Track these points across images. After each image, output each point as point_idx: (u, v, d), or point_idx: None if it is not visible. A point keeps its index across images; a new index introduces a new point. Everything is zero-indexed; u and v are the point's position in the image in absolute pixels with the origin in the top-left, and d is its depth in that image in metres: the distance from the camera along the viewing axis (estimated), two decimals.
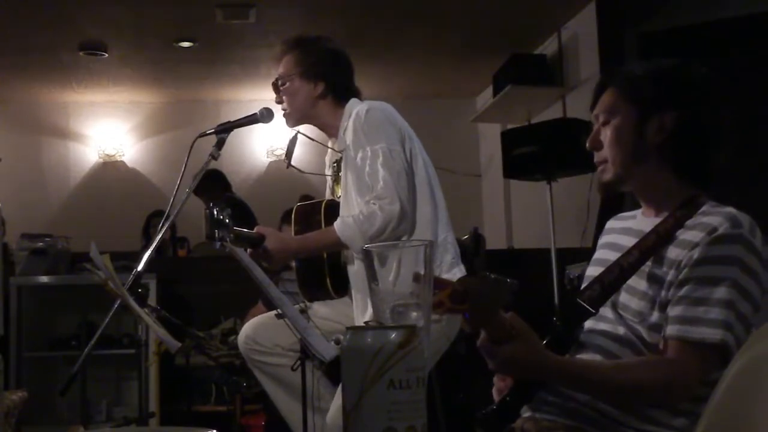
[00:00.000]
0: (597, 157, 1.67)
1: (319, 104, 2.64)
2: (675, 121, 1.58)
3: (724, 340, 1.42)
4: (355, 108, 2.56)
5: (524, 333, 1.38)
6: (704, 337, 1.43)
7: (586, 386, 1.49)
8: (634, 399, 1.49)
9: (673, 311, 1.48)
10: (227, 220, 2.24)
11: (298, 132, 2.70)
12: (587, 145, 1.68)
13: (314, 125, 2.71)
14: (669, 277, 1.51)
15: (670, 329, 1.47)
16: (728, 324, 1.43)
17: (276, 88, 2.67)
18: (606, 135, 1.64)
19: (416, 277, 0.97)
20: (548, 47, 6.11)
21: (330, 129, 2.67)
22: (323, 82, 2.62)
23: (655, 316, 1.51)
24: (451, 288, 1.23)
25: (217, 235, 2.22)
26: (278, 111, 2.62)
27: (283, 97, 2.66)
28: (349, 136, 2.52)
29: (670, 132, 1.59)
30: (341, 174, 2.59)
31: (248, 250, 2.43)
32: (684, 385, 1.45)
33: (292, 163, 2.66)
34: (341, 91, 2.65)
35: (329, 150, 2.75)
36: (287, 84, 2.64)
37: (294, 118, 2.67)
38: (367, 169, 2.44)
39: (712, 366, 1.44)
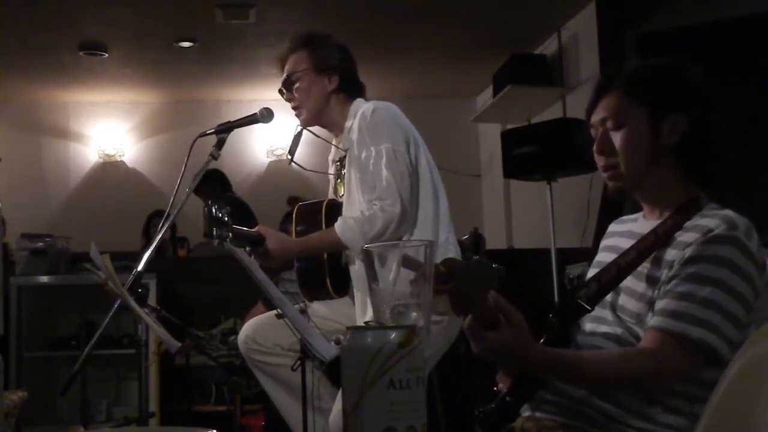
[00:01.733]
0: (605, 161, 1.64)
1: (332, 99, 2.62)
2: (687, 121, 1.58)
3: (703, 339, 1.42)
4: (361, 107, 2.56)
5: (514, 320, 1.36)
6: (683, 332, 1.43)
7: (573, 377, 1.48)
8: (621, 389, 1.49)
9: (659, 304, 1.49)
10: (226, 218, 2.24)
11: (304, 128, 2.69)
12: (596, 149, 1.65)
13: (321, 124, 2.70)
14: (663, 277, 1.51)
15: (653, 320, 1.48)
16: (710, 324, 1.43)
17: (287, 86, 2.64)
18: (618, 140, 1.61)
19: (406, 262, 0.97)
20: (548, 47, 6.11)
21: (336, 127, 2.66)
22: (337, 76, 2.61)
23: (650, 317, 1.52)
24: (435, 268, 1.23)
25: (215, 232, 2.21)
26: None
27: (296, 95, 2.63)
28: (354, 135, 2.52)
29: (683, 133, 1.58)
30: (344, 172, 2.59)
31: (248, 249, 2.43)
32: (664, 376, 1.45)
33: (295, 159, 2.66)
34: (352, 85, 2.64)
35: (332, 148, 2.75)
36: (301, 80, 2.62)
37: (308, 116, 2.64)
38: (371, 168, 2.44)
39: (693, 362, 1.45)
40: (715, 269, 1.45)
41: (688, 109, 1.59)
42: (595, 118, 1.65)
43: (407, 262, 0.98)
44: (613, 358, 1.50)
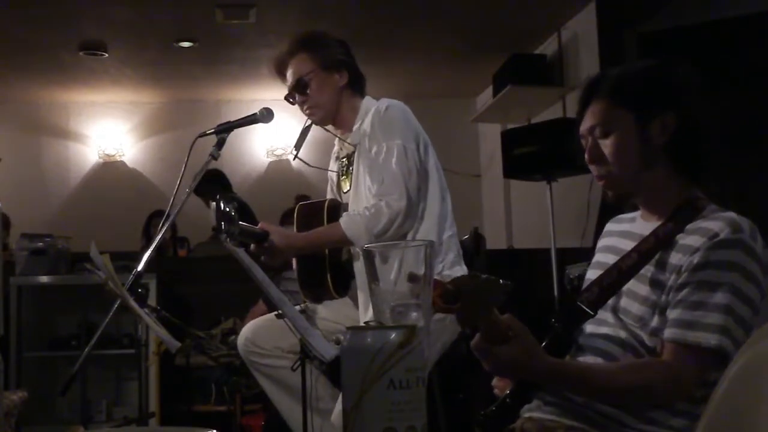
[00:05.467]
0: (598, 170, 1.63)
1: (343, 95, 2.63)
2: (676, 119, 1.58)
3: (721, 345, 1.42)
4: (372, 105, 2.58)
5: (521, 335, 1.38)
6: (700, 341, 1.43)
7: (582, 389, 1.49)
8: (630, 400, 1.49)
9: (672, 314, 1.48)
10: (233, 213, 2.24)
11: (320, 126, 2.68)
12: (587, 158, 1.63)
13: (333, 121, 2.69)
14: (670, 282, 1.51)
15: (668, 332, 1.47)
16: (726, 329, 1.43)
17: (300, 90, 2.61)
18: (608, 148, 1.60)
19: (411, 277, 0.97)
20: (548, 47, 6.11)
21: (345, 123, 2.66)
22: (346, 71, 2.62)
23: (656, 320, 1.51)
24: (443, 288, 1.23)
25: (223, 227, 2.22)
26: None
27: (309, 96, 2.61)
28: (366, 131, 2.52)
29: (673, 131, 1.58)
30: (352, 168, 2.59)
31: (252, 246, 2.43)
32: (680, 388, 1.45)
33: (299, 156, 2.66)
34: (359, 79, 2.65)
35: (336, 145, 2.75)
36: (312, 81, 2.59)
37: (325, 114, 2.64)
38: (380, 163, 2.45)
39: (708, 370, 1.45)
40: (725, 274, 1.45)
41: (675, 107, 1.58)
42: (583, 127, 1.64)
43: (412, 278, 0.98)
44: (624, 369, 1.50)
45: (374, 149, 2.48)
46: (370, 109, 2.56)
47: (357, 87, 2.65)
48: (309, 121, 2.68)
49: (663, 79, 1.62)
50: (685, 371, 1.44)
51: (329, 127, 2.72)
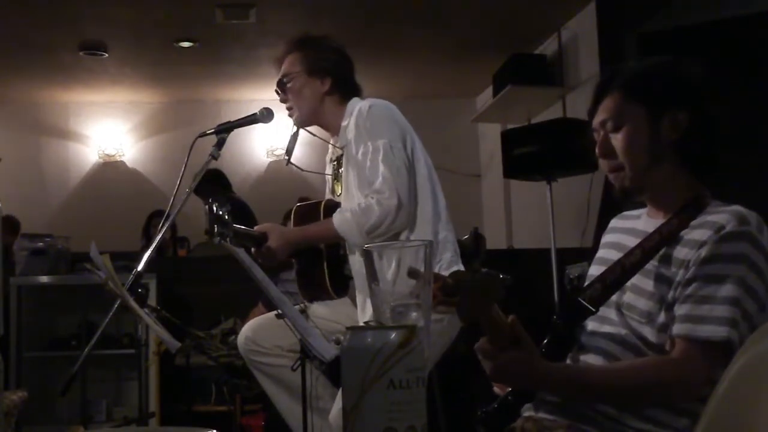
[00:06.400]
0: (609, 164, 1.63)
1: (326, 101, 2.63)
2: (688, 118, 1.57)
3: (729, 338, 1.42)
4: (357, 105, 2.56)
5: (524, 343, 1.38)
6: (710, 336, 1.43)
7: (589, 396, 1.49)
8: (641, 401, 1.49)
9: (680, 310, 1.48)
10: (227, 217, 2.24)
11: (299, 128, 2.69)
12: (598, 152, 1.64)
13: (318, 124, 2.71)
14: (678, 278, 1.50)
15: (677, 328, 1.47)
16: (734, 321, 1.42)
17: (281, 87, 2.66)
18: (618, 141, 1.61)
19: (411, 273, 0.97)
20: (548, 47, 6.11)
21: (333, 127, 2.67)
22: (330, 78, 2.62)
23: (662, 316, 1.51)
24: (443, 281, 1.24)
25: (216, 230, 2.21)
26: (278, 111, 2.61)
27: (289, 96, 2.65)
28: (351, 132, 2.53)
29: (685, 129, 1.58)
30: (342, 170, 2.59)
31: (254, 251, 2.43)
32: (691, 384, 1.45)
33: (292, 161, 2.67)
34: (347, 87, 2.65)
35: (330, 148, 2.75)
36: (293, 82, 2.63)
37: (301, 118, 2.65)
38: (368, 164, 2.45)
39: (717, 364, 1.44)
40: (732, 267, 1.45)
41: (687, 105, 1.58)
42: (596, 121, 1.65)
43: (412, 273, 0.98)
44: (635, 369, 1.49)
45: (360, 150, 2.48)
46: (354, 110, 2.56)
47: (344, 93, 2.64)
48: (296, 128, 2.70)
49: (678, 77, 1.62)
50: (694, 369, 1.43)
51: (317, 130, 2.72)
